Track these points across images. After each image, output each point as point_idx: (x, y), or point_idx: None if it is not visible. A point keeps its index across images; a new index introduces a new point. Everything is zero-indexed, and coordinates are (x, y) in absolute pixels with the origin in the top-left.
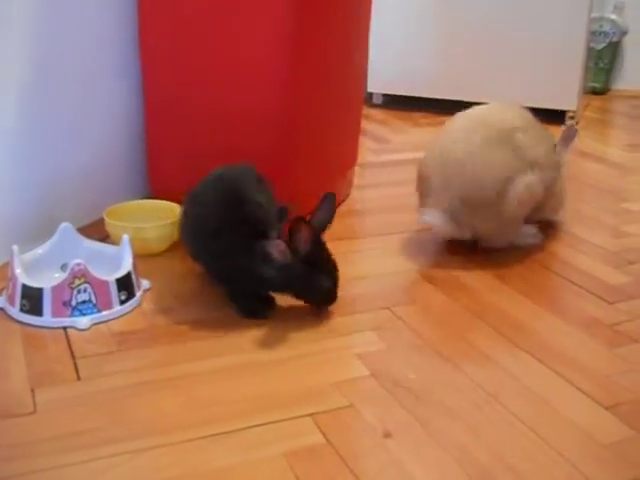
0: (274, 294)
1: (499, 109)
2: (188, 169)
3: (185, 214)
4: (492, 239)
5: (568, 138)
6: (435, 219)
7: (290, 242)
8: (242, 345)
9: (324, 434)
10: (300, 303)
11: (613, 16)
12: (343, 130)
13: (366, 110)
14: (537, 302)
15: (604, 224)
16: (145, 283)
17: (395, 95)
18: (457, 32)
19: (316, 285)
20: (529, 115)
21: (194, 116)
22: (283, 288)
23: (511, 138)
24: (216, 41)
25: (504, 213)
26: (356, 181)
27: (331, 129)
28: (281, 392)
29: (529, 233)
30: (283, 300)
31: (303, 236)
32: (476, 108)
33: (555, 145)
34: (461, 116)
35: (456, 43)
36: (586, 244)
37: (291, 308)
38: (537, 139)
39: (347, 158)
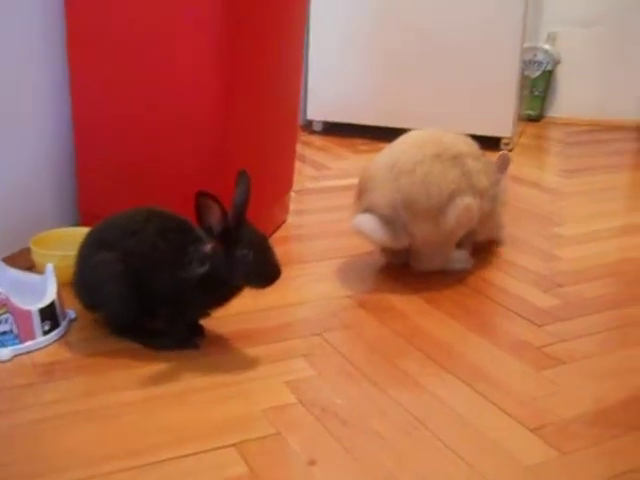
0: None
1: (452, 135)
2: (120, 193)
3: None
4: (424, 258)
5: (502, 166)
6: (368, 224)
7: (200, 222)
8: (169, 374)
9: (248, 464)
10: (230, 332)
11: (546, 46)
12: (278, 154)
13: (306, 137)
14: (466, 325)
15: (536, 248)
16: (71, 313)
17: (335, 122)
18: (395, 61)
19: (240, 260)
20: (478, 147)
21: (125, 140)
22: (215, 283)
23: (462, 162)
24: (148, 63)
25: (441, 228)
26: (293, 207)
27: (265, 153)
28: (207, 421)
29: (460, 258)
30: (213, 328)
31: (213, 212)
32: (429, 129)
33: (497, 179)
34: (413, 133)
35: (394, 72)
36: (517, 268)
37: (220, 337)
38: (484, 170)
39: (283, 183)
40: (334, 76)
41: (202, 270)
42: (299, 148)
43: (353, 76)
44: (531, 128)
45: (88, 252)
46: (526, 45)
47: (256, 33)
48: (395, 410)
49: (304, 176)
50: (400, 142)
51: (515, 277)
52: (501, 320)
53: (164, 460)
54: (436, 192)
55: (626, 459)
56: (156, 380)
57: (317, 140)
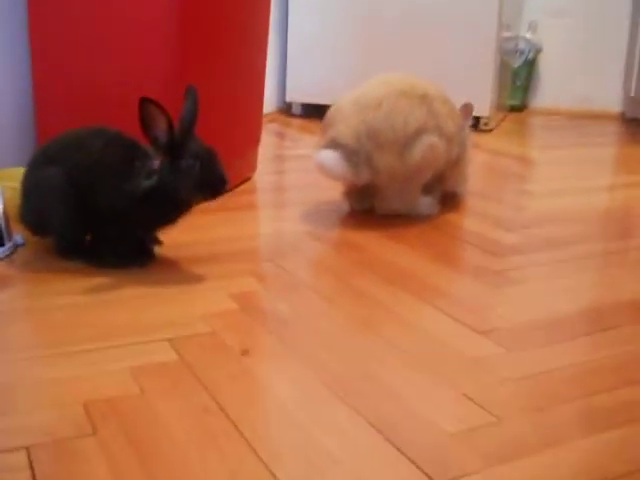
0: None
1: (421, 79)
2: None
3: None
4: (388, 198)
5: (465, 114)
6: (329, 158)
7: (146, 132)
8: (111, 284)
9: (178, 353)
10: (181, 257)
11: (527, 35)
12: (239, 105)
13: (286, 119)
14: (426, 255)
15: (505, 200)
16: (19, 238)
17: (314, 104)
18: (374, 44)
19: (185, 170)
20: (445, 93)
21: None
22: (163, 196)
23: (429, 103)
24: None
25: (405, 163)
26: (263, 168)
27: (223, 103)
28: (142, 320)
29: (426, 203)
30: (163, 253)
31: (158, 119)
32: (399, 72)
33: (463, 125)
34: (382, 74)
35: (373, 54)
36: (484, 214)
37: (169, 259)
38: (450, 114)
39: (245, 137)
40: (313, 58)
41: (148, 183)
42: (278, 128)
43: (332, 58)
44: (513, 116)
45: (33, 168)
46: (507, 34)
47: None
48: (340, 315)
49: (281, 147)
50: (368, 81)
51: (481, 220)
52: (462, 252)
53: (94, 349)
54: (401, 125)
55: (574, 357)
56: (97, 288)
57: (297, 122)
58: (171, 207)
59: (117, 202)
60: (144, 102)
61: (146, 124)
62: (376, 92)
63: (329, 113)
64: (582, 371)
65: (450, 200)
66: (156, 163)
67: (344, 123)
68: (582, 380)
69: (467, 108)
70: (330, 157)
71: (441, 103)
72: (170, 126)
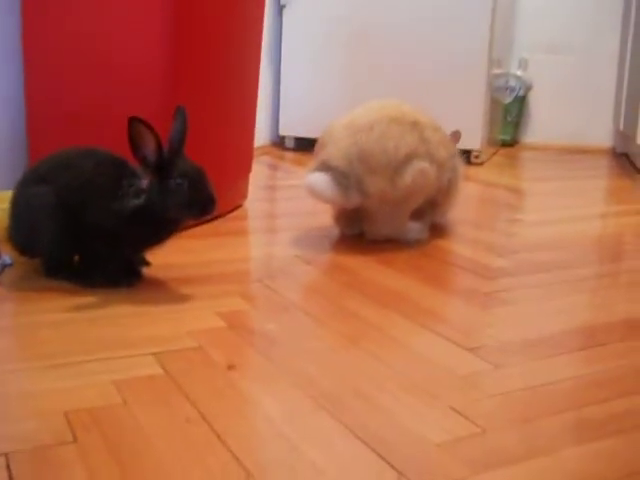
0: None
1: (411, 106)
2: None
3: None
4: (377, 223)
5: (454, 141)
6: (319, 181)
7: (135, 152)
8: (97, 303)
9: (163, 367)
10: (170, 278)
11: (518, 72)
12: (230, 134)
13: (279, 153)
14: (416, 278)
15: (496, 228)
16: (7, 258)
17: (307, 138)
18: (366, 79)
19: (174, 189)
20: (436, 121)
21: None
22: (152, 215)
23: (420, 129)
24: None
25: (396, 188)
26: (254, 196)
27: (214, 130)
28: (128, 337)
29: (415, 228)
30: (153, 274)
31: (147, 139)
32: (390, 99)
33: (454, 152)
34: (373, 101)
35: (365, 88)
36: (474, 240)
37: (158, 280)
38: (441, 142)
39: (236, 165)
40: (306, 93)
41: (136, 203)
42: (271, 160)
43: (324, 93)
44: (505, 151)
45: (22, 187)
46: (498, 71)
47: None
48: (328, 333)
49: (274, 178)
50: (360, 107)
51: (471, 246)
52: (452, 275)
53: (78, 362)
54: (392, 149)
55: (559, 372)
56: (84, 306)
57: (290, 155)
58: (159, 226)
59: (106, 221)
60: (133, 121)
61: (135, 143)
62: (368, 117)
63: (321, 136)
64: (571, 385)
65: (440, 227)
66: (144, 182)
67: (335, 146)
68: (571, 394)
69: (456, 135)
70: (320, 180)
71: (432, 130)
72: (159, 145)
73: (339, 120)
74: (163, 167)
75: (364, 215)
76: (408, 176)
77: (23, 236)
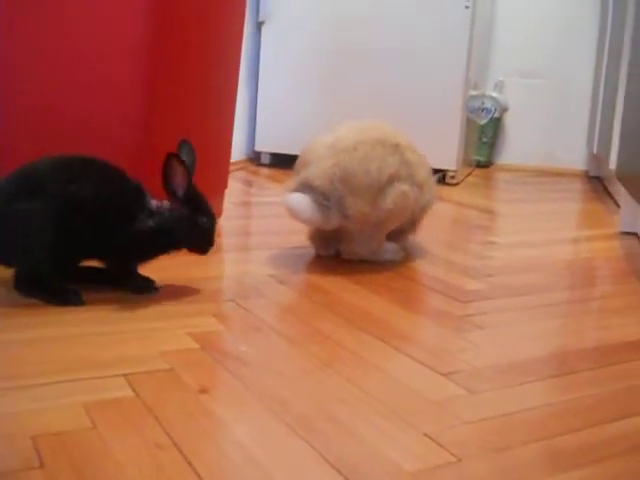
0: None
1: (392, 127)
2: None
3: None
4: (355, 243)
5: None
6: (298, 202)
7: (166, 186)
8: (74, 320)
9: (134, 389)
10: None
11: (494, 93)
12: (206, 151)
13: (254, 168)
14: (389, 300)
15: (469, 250)
16: None
17: (283, 154)
18: (343, 96)
19: (200, 226)
20: (413, 143)
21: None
22: (170, 240)
23: (401, 152)
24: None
25: (376, 210)
26: (229, 214)
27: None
28: (98, 358)
29: (391, 249)
30: (123, 293)
31: (177, 174)
32: (371, 119)
33: (432, 172)
34: (355, 121)
35: (341, 106)
36: (448, 262)
37: (129, 298)
38: (420, 162)
39: (212, 182)
40: (283, 109)
41: (151, 224)
42: (246, 176)
43: (302, 110)
44: (480, 172)
45: (10, 198)
46: (474, 92)
47: (187, 23)
48: (301, 356)
49: (249, 194)
50: (342, 126)
51: (446, 268)
52: (425, 297)
53: (47, 383)
54: (375, 171)
55: (534, 399)
56: (55, 324)
57: (265, 171)
58: (162, 249)
59: (119, 238)
60: (170, 157)
61: (167, 177)
62: (352, 137)
63: (302, 154)
64: (545, 413)
65: (414, 248)
66: (168, 206)
67: (318, 165)
68: (545, 422)
69: None
70: (300, 200)
71: (411, 152)
72: (189, 182)
73: (321, 139)
74: (189, 201)
75: (341, 235)
76: (389, 198)
77: (3, 245)
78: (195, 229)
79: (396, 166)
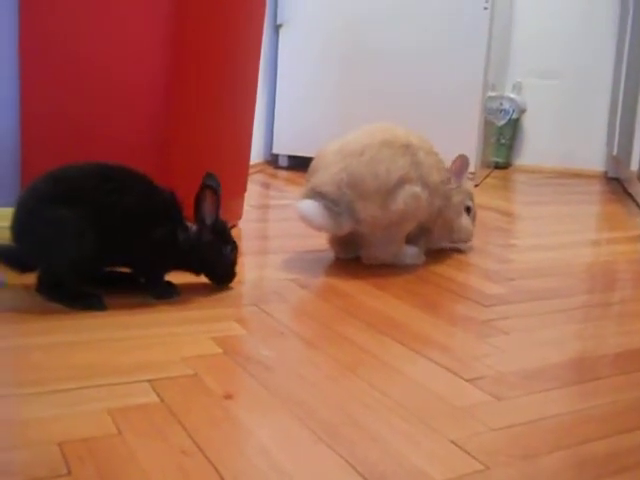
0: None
1: (406, 128)
2: None
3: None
4: (373, 247)
5: (461, 168)
6: (310, 208)
7: (197, 212)
8: (88, 326)
9: (158, 395)
10: (163, 302)
11: (512, 95)
12: (226, 155)
13: (272, 171)
14: (412, 304)
15: (491, 253)
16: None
17: (300, 157)
18: (360, 98)
19: (224, 256)
20: (431, 144)
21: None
22: (193, 262)
23: (413, 152)
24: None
25: (387, 212)
26: (247, 217)
27: (210, 151)
28: (122, 363)
29: (411, 253)
30: (144, 298)
31: (209, 204)
32: (383, 122)
33: (449, 177)
34: (366, 125)
35: (359, 108)
36: (470, 265)
37: (150, 304)
38: (435, 165)
39: (231, 186)
40: (300, 111)
41: (186, 239)
42: (264, 178)
43: (319, 112)
44: (498, 173)
45: (46, 202)
46: (492, 94)
47: (207, 26)
48: (324, 361)
49: (267, 197)
50: (352, 132)
51: (467, 272)
52: (448, 302)
53: (72, 389)
54: (383, 173)
55: (559, 406)
56: (78, 330)
57: (283, 174)
58: (186, 265)
59: (149, 248)
60: (206, 189)
61: (199, 205)
62: (359, 141)
63: (313, 162)
64: (571, 420)
65: (437, 251)
66: (196, 230)
67: (326, 172)
68: (571, 429)
69: (461, 161)
70: (311, 207)
71: (425, 153)
72: (218, 211)
73: (330, 145)
74: (215, 230)
75: (359, 240)
76: (400, 201)
77: (31, 250)
78: (219, 257)
79: (406, 167)
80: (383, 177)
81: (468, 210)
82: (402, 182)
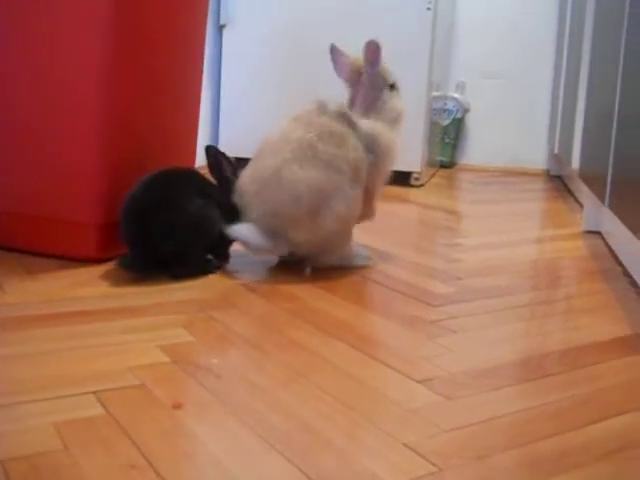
0: None
1: (296, 124)
2: None
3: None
4: (316, 256)
5: (372, 57)
6: (246, 233)
7: (220, 174)
8: (39, 336)
9: (105, 407)
10: (109, 308)
11: (456, 94)
12: (170, 158)
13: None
14: (361, 305)
15: (438, 253)
16: None
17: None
18: (302, 98)
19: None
20: (323, 120)
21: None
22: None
23: (315, 152)
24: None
25: (322, 231)
26: None
27: (155, 152)
28: (66, 375)
29: (361, 254)
30: (93, 306)
31: (225, 165)
32: (280, 127)
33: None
34: (269, 134)
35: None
36: (416, 265)
37: (98, 311)
38: (338, 144)
39: None
40: (245, 113)
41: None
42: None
43: (264, 113)
44: (443, 172)
45: (180, 196)
46: (436, 93)
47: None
48: (275, 366)
49: None
50: (260, 147)
51: (415, 272)
52: (396, 302)
53: (15, 403)
54: (304, 193)
55: (510, 405)
56: (23, 341)
57: None
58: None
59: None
60: (215, 153)
61: (216, 168)
62: (265, 165)
63: (237, 196)
64: (522, 419)
65: (384, 252)
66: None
67: (250, 204)
68: (523, 428)
69: (368, 47)
70: (246, 231)
71: (323, 144)
72: (235, 169)
73: (246, 170)
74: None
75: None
76: (332, 215)
77: (170, 238)
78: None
79: (320, 177)
80: (305, 198)
81: (392, 87)
82: (326, 195)
